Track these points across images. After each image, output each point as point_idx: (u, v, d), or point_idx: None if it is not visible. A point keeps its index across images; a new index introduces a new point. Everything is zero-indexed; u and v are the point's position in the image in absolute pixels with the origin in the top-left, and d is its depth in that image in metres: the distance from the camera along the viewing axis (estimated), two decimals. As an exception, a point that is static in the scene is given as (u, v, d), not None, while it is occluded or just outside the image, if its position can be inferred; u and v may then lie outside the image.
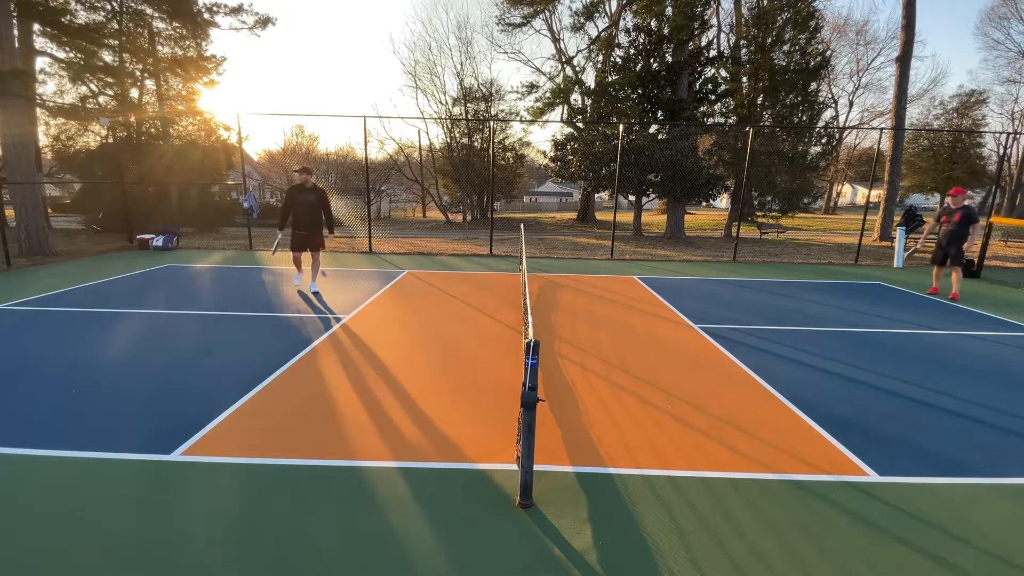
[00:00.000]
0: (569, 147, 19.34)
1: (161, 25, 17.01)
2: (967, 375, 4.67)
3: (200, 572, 2.16)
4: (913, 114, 39.09)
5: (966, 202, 7.89)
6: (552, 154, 20.59)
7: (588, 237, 18.20)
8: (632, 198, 19.23)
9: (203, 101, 19.39)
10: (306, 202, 7.01)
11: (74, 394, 3.87)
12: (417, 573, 2.18)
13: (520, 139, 27.66)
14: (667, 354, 5.15)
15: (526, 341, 2.67)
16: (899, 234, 12.38)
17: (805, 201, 19.22)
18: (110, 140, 16.08)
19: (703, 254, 13.67)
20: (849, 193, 57.73)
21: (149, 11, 16.31)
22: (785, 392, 4.19)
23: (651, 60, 17.06)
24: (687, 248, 15.13)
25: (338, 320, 6.09)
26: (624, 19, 20.92)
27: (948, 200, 8.00)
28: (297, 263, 7.47)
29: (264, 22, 17.35)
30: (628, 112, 17.17)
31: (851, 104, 42.35)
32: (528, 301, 4.07)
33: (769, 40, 17.06)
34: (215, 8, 16.64)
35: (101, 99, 16.95)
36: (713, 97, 17.93)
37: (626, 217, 27.86)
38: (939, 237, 8.11)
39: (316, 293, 7.36)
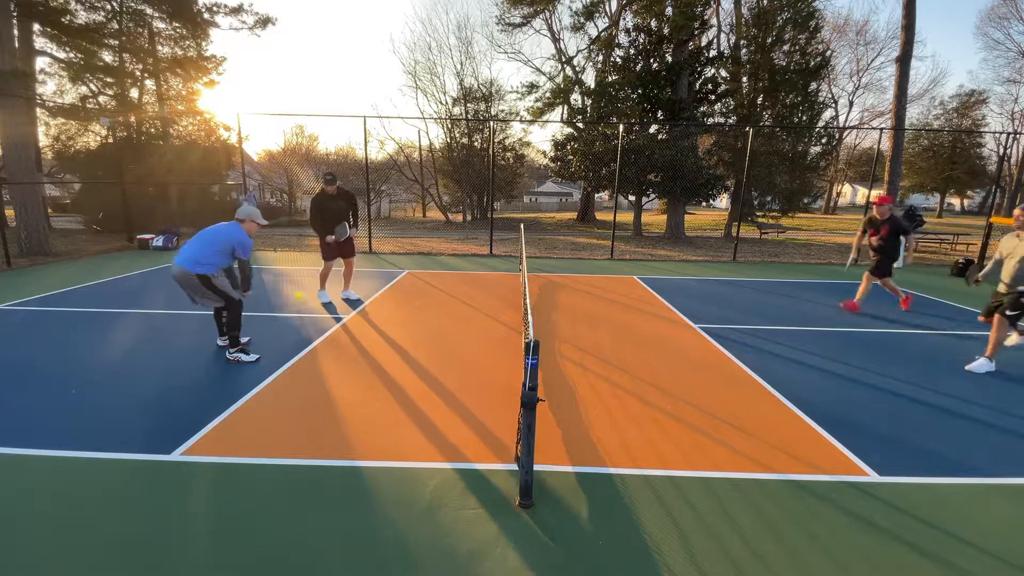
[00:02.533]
0: (569, 147, 19.34)
1: (161, 25, 17.01)
2: (967, 375, 4.67)
3: (200, 572, 2.16)
4: (913, 114, 39.16)
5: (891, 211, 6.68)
6: (552, 154, 20.60)
7: (588, 237, 18.20)
8: (632, 198, 19.23)
9: (203, 101, 19.41)
10: (337, 209, 6.77)
11: (74, 394, 3.87)
12: (417, 573, 2.18)
13: (520, 139, 27.70)
14: (667, 354, 5.15)
15: (526, 341, 2.67)
16: (899, 234, 12.35)
17: (805, 201, 19.21)
18: (110, 140, 16.08)
19: (703, 254, 13.67)
20: (849, 193, 57.68)
21: (149, 11, 16.31)
22: (785, 392, 4.19)
23: (651, 60, 17.06)
24: (687, 248, 15.12)
25: (338, 320, 6.08)
26: (624, 19, 20.92)
27: (873, 210, 6.68)
28: (325, 277, 7.01)
29: (264, 22, 17.34)
30: (628, 112, 17.17)
31: (851, 104, 42.40)
32: (528, 301, 4.08)
33: (769, 40, 17.06)
34: (215, 8, 16.64)
35: (101, 99, 16.94)
36: (713, 97, 17.93)
37: (626, 217, 27.86)
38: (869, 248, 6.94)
39: (357, 300, 7.15)
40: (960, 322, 6.61)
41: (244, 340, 4.90)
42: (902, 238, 6.50)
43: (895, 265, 5.52)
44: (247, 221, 4.58)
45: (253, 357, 4.66)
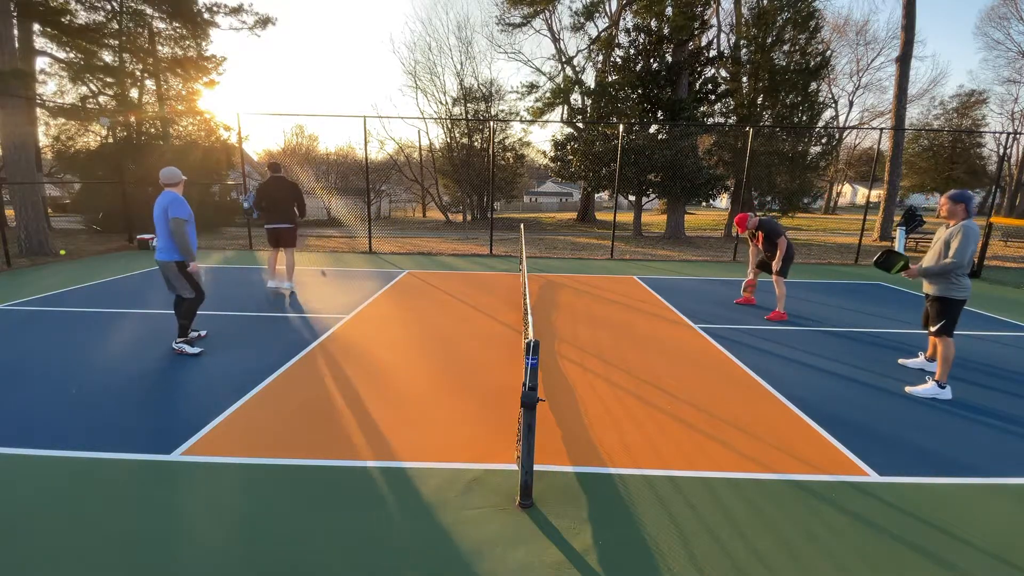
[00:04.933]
0: (569, 147, 19.34)
1: (161, 25, 17.01)
2: (967, 375, 4.67)
3: (200, 572, 2.16)
4: (913, 114, 39.13)
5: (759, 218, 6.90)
6: (552, 154, 20.60)
7: (588, 237, 18.19)
8: (632, 198, 19.23)
9: (203, 101, 19.42)
10: (281, 197, 7.34)
11: (74, 394, 3.87)
12: (417, 573, 2.18)
13: (520, 139, 27.69)
14: (667, 354, 5.15)
15: (526, 341, 2.67)
16: (899, 234, 12.39)
17: (805, 201, 19.21)
18: (110, 140, 16.08)
19: (703, 254, 13.67)
20: (849, 193, 57.69)
21: (149, 11, 16.32)
22: (785, 392, 4.19)
23: (651, 60, 17.06)
24: (687, 248, 15.12)
25: (338, 320, 6.08)
26: (624, 19, 20.93)
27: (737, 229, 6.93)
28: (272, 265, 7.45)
29: (264, 22, 17.36)
30: (628, 112, 17.17)
31: (851, 104, 42.41)
32: (528, 301, 4.08)
33: (769, 40, 17.05)
34: (215, 8, 16.65)
35: (101, 99, 16.95)
36: (713, 97, 17.93)
37: (626, 217, 27.85)
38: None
39: (285, 291, 7.54)
40: (962, 323, 6.59)
41: (196, 334, 5.18)
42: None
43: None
44: (177, 185, 4.75)
45: (196, 350, 4.80)
